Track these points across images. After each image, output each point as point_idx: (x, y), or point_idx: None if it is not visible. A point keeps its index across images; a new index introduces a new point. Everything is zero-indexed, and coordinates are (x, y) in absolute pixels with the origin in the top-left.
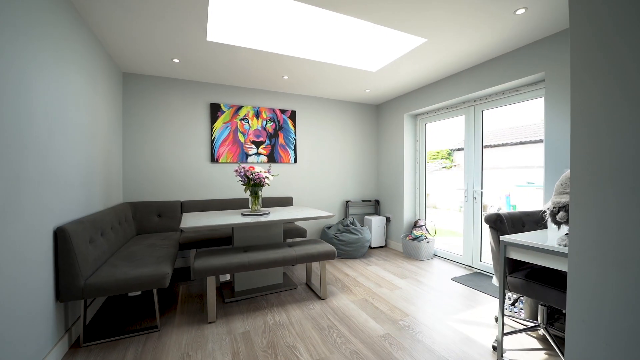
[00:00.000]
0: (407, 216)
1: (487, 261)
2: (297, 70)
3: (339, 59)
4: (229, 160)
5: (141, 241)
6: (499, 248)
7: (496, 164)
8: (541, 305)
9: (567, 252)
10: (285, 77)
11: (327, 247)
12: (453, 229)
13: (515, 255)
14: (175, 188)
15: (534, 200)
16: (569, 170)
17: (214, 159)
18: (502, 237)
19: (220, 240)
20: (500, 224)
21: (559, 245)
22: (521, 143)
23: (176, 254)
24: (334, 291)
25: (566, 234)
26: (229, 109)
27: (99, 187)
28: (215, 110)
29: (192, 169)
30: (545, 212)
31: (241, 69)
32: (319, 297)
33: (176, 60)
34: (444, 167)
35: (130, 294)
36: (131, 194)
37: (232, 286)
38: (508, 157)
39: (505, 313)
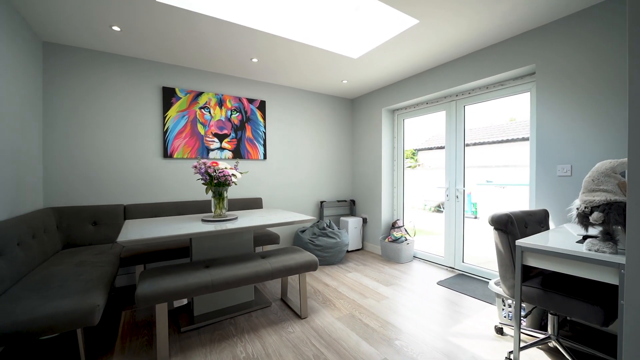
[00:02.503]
0: (385, 217)
1: (469, 262)
2: (269, 52)
3: (318, 41)
4: (185, 155)
5: (67, 258)
6: (511, 254)
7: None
8: (551, 314)
9: (609, 260)
10: (255, 60)
11: (307, 256)
12: (422, 227)
13: (534, 262)
14: (116, 189)
15: (493, 198)
16: (599, 164)
17: (167, 154)
18: (518, 242)
19: (175, 251)
20: (511, 226)
21: (589, 250)
22: (481, 144)
23: (115, 273)
24: (314, 307)
25: (585, 237)
26: (185, 94)
27: (0, 190)
28: (168, 96)
29: (138, 166)
30: (573, 212)
31: (201, 46)
32: (299, 316)
33: (116, 28)
34: (409, 167)
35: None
36: (56, 197)
37: (190, 308)
38: (469, 157)
39: (505, 322)
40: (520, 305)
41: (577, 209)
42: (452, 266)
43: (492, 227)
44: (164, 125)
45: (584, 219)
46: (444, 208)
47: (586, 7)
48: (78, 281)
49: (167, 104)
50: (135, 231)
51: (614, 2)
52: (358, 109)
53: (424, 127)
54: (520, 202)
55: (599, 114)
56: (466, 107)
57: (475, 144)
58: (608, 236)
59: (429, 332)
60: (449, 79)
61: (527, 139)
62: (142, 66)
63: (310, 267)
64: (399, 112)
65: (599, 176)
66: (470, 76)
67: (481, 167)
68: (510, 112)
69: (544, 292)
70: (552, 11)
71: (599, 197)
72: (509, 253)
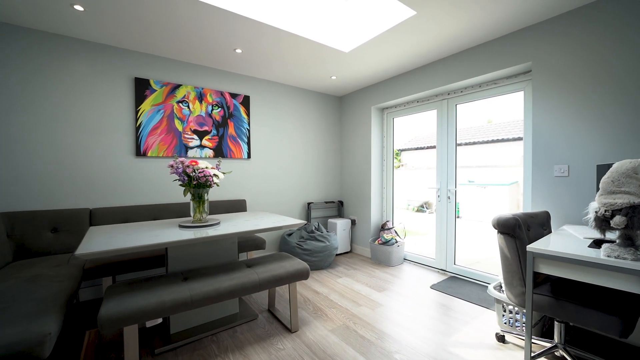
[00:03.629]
0: (375, 218)
1: (461, 264)
2: (254, 41)
3: (307, 32)
4: (161, 153)
5: (18, 271)
6: (519, 259)
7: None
8: (558, 321)
9: (633, 268)
10: (239, 51)
11: (297, 264)
12: (407, 227)
13: (546, 269)
14: (80, 191)
15: (475, 198)
16: (618, 164)
17: (139, 152)
18: (529, 247)
19: (150, 260)
20: (519, 230)
21: (608, 257)
22: (463, 144)
23: (76, 289)
24: (305, 318)
25: (597, 240)
26: (161, 87)
27: None
28: (142, 88)
29: (107, 165)
30: (591, 215)
31: (179, 33)
32: (289, 330)
33: (78, 8)
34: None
35: None
36: (6, 200)
37: (166, 325)
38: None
39: (507, 330)
40: (532, 315)
41: (596, 212)
42: (444, 268)
43: (498, 231)
44: (137, 120)
45: (603, 222)
46: (427, 208)
47: (579, 6)
48: (28, 301)
49: (140, 97)
50: (100, 240)
51: (607, 2)
52: (347, 107)
53: (409, 127)
54: (501, 201)
55: (595, 113)
56: (458, 106)
57: (459, 145)
58: (629, 241)
59: (428, 342)
60: (442, 76)
61: (506, 140)
62: (111, 53)
63: (302, 275)
64: (388, 110)
65: (619, 177)
66: (465, 74)
67: (462, 168)
68: (489, 114)
69: (556, 300)
70: (548, 8)
71: (621, 200)
72: (517, 259)
